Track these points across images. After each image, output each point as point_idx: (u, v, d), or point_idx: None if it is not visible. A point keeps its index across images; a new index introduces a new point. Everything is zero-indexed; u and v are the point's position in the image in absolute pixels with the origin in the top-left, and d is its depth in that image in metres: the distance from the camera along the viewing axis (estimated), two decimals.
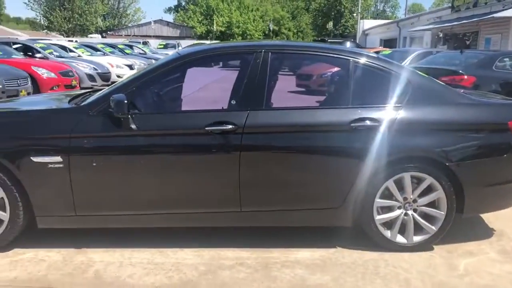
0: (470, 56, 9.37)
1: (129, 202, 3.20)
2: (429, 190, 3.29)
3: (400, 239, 3.35)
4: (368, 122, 3.19)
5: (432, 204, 3.32)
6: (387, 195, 3.30)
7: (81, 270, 2.99)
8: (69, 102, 3.53)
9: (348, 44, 21.58)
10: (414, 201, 3.31)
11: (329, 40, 27.64)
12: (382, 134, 3.18)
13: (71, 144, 3.08)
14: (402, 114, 3.24)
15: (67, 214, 3.16)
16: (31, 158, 3.05)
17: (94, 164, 3.09)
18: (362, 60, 3.39)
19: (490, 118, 3.39)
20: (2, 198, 3.09)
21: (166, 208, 3.23)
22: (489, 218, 3.92)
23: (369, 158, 3.17)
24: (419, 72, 3.57)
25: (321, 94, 3.93)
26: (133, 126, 3.08)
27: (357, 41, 36.08)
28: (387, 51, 14.70)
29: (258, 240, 3.44)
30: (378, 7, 71.77)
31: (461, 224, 3.60)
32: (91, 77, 14.26)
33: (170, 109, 3.63)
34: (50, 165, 3.06)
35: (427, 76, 3.59)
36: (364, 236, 3.36)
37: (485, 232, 3.71)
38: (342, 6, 54.47)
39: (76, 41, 25.82)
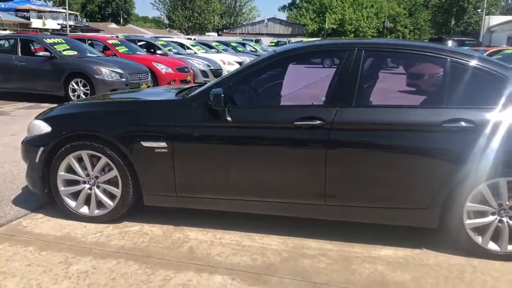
0: None
1: (223, 188, 3.48)
2: None
3: (492, 246, 3.21)
4: (462, 123, 3.11)
5: None
6: (480, 200, 3.18)
7: (178, 245, 3.33)
8: (176, 95, 3.91)
9: (449, 43, 20.39)
10: (511, 208, 3.16)
11: (447, 39, 26.11)
12: (476, 136, 3.08)
13: (175, 132, 3.44)
14: (499, 116, 3.10)
15: (169, 194, 3.54)
16: (141, 142, 3.46)
17: (194, 150, 3.43)
18: (458, 59, 3.30)
19: None
20: (116, 176, 3.56)
21: (256, 196, 3.46)
22: None
23: (462, 161, 3.10)
24: None
25: (422, 94, 3.87)
26: (229, 118, 3.35)
27: (481, 39, 33.58)
28: (511, 50, 13.53)
29: (342, 234, 3.52)
30: (510, 2, 65.64)
31: None
32: (204, 73, 15.15)
33: (263, 104, 3.85)
34: (156, 150, 3.44)
35: None
36: (453, 240, 3.28)
37: None
38: (466, 1, 50.90)
39: (194, 39, 27.44)
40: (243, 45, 25.71)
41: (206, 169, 3.47)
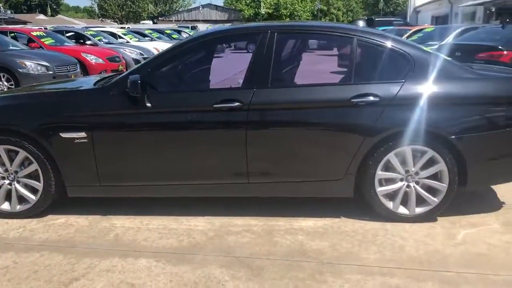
0: None
1: (147, 174, 3.51)
2: (431, 163, 3.37)
3: (402, 210, 3.47)
4: (369, 98, 3.31)
5: (435, 177, 3.42)
6: (389, 168, 3.42)
7: (103, 233, 3.35)
8: (95, 83, 3.87)
9: (360, 23, 21.19)
10: (416, 173, 3.42)
11: (376, 19, 27.03)
12: (382, 109, 3.30)
13: (94, 121, 3.42)
14: (404, 89, 3.34)
15: (92, 185, 3.53)
16: (60, 134, 3.41)
17: (115, 139, 3.43)
18: (365, 38, 3.50)
19: (494, 92, 3.41)
20: (36, 170, 3.50)
21: (181, 180, 3.52)
22: (502, 191, 3.94)
23: (370, 133, 3.31)
24: (424, 48, 3.63)
25: (335, 72, 4.07)
26: (149, 104, 3.37)
27: (408, 19, 34.98)
28: (430, 28, 14.27)
29: (267, 210, 3.67)
30: None
31: (470, 196, 3.67)
32: (137, 62, 14.81)
33: (183, 89, 3.89)
34: (76, 140, 3.41)
35: (432, 51, 3.65)
36: (369, 207, 3.51)
37: (494, 205, 3.75)
38: None
39: (128, 27, 26.69)
40: (179, 32, 25.36)
41: (128, 157, 3.48)
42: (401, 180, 3.44)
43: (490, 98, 3.38)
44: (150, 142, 3.46)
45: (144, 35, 19.66)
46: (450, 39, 11.35)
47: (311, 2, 55.10)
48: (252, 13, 54.57)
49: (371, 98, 3.31)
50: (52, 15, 68.06)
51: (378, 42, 3.49)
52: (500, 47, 8.13)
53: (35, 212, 3.59)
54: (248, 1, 55.40)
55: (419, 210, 3.46)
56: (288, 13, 53.09)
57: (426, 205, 3.45)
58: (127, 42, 17.10)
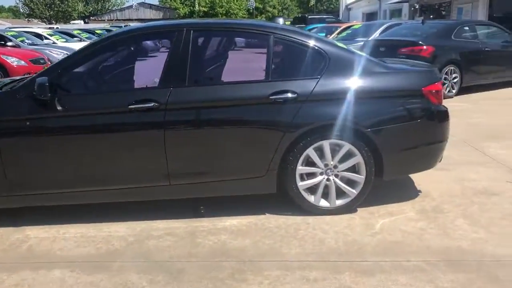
0: (431, 26, 9.50)
1: (61, 181, 3.35)
2: (348, 156, 3.46)
3: (323, 203, 3.54)
4: (287, 95, 3.34)
5: (353, 169, 3.51)
6: (309, 162, 3.47)
7: (15, 246, 3.16)
8: (1, 87, 3.64)
9: (280, 21, 21.69)
10: (335, 167, 3.49)
11: (309, 17, 27.62)
12: (300, 105, 3.34)
13: (1, 127, 3.22)
14: (319, 85, 3.39)
15: (3, 194, 3.31)
16: None
17: (24, 145, 3.24)
18: (282, 35, 3.52)
19: (405, 85, 3.55)
20: None
21: (98, 185, 3.39)
22: (418, 180, 4.12)
23: (289, 129, 3.34)
24: (338, 44, 3.72)
25: (255, 70, 4.09)
26: (59, 108, 3.22)
27: (340, 17, 35.99)
28: (358, 25, 14.76)
29: (191, 211, 3.61)
30: None
31: (387, 187, 3.81)
32: None
33: (95, 90, 3.75)
34: None
35: (345, 47, 3.74)
36: (292, 202, 3.54)
37: (410, 194, 3.91)
38: None
39: (57, 27, 25.56)
40: (110, 32, 24.61)
41: (40, 163, 3.30)
42: (321, 174, 3.50)
43: (399, 91, 3.51)
44: (62, 148, 3.30)
45: (73, 36, 18.90)
46: (376, 35, 11.79)
47: (246, 0, 55.30)
48: (187, 11, 53.99)
49: (289, 94, 3.34)
50: None
51: (294, 39, 3.53)
52: (420, 42, 8.54)
53: None
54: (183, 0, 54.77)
55: (339, 202, 3.54)
56: (224, 11, 52.98)
57: (346, 197, 3.54)
58: (53, 43, 16.36)
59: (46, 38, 16.89)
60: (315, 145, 3.41)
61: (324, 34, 13.79)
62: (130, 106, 3.23)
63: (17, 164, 3.28)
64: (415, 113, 3.53)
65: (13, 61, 11.49)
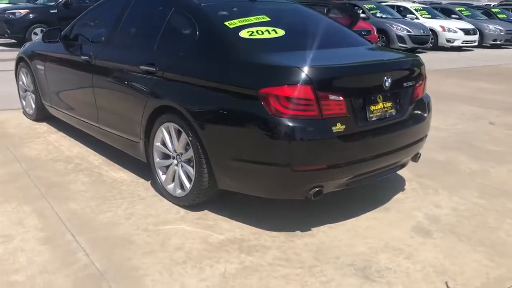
0: None
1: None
2: (187, 146, 3.14)
3: (170, 187, 3.35)
4: (149, 67, 3.34)
5: (190, 162, 3.15)
6: (163, 142, 3.34)
7: None
8: None
9: None
10: (180, 154, 3.23)
11: None
12: (158, 79, 3.30)
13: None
14: (176, 62, 3.28)
15: None
16: None
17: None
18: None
19: (243, 81, 2.83)
20: None
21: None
22: None
23: (148, 102, 3.35)
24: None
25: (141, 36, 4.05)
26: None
27: None
28: None
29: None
30: None
31: None
32: (400, 39, 14.62)
33: (75, 40, 4.48)
34: None
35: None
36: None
37: None
38: None
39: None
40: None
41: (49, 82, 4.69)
42: (173, 158, 3.32)
43: (234, 87, 2.85)
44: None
45: (451, 12, 18.44)
46: None
47: None
48: None
49: (151, 67, 3.32)
50: None
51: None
52: None
53: None
54: None
55: (178, 192, 3.29)
56: None
57: (184, 190, 3.24)
58: (416, 18, 16.62)
59: (411, 13, 17.30)
60: (165, 125, 3.27)
61: None
62: (81, 56, 4.09)
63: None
64: (246, 120, 2.78)
65: None
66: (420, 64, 3.36)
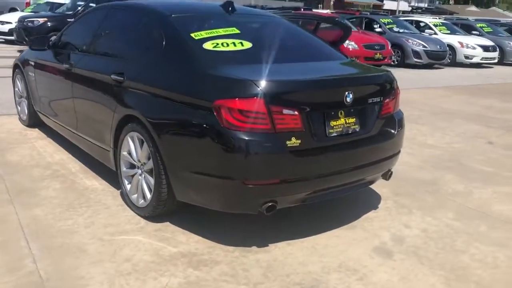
0: None
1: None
2: (148, 156, 3.13)
3: (134, 196, 3.34)
4: (117, 77, 3.37)
5: (151, 173, 3.14)
6: (128, 151, 3.34)
7: None
8: None
9: None
10: (144, 164, 3.23)
11: None
12: (123, 89, 3.32)
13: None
14: (139, 72, 3.31)
15: None
16: None
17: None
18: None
19: (195, 92, 2.83)
20: None
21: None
22: None
23: (115, 111, 3.37)
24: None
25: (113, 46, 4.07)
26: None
27: None
28: None
29: None
30: None
31: None
32: (416, 54, 14.43)
33: (63, 48, 4.53)
34: None
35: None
36: None
37: None
38: None
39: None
40: None
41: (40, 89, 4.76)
42: (137, 167, 3.31)
43: (190, 98, 2.85)
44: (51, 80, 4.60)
45: (473, 29, 18.14)
46: None
47: None
48: None
49: (118, 77, 3.34)
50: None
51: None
52: None
53: None
54: None
55: (141, 202, 3.27)
56: None
57: (145, 200, 3.22)
58: (434, 34, 16.43)
59: (430, 28, 17.09)
60: (130, 134, 3.28)
61: None
62: (63, 64, 4.15)
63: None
64: (201, 132, 2.76)
65: (348, 44, 12.85)
66: (390, 79, 3.29)
